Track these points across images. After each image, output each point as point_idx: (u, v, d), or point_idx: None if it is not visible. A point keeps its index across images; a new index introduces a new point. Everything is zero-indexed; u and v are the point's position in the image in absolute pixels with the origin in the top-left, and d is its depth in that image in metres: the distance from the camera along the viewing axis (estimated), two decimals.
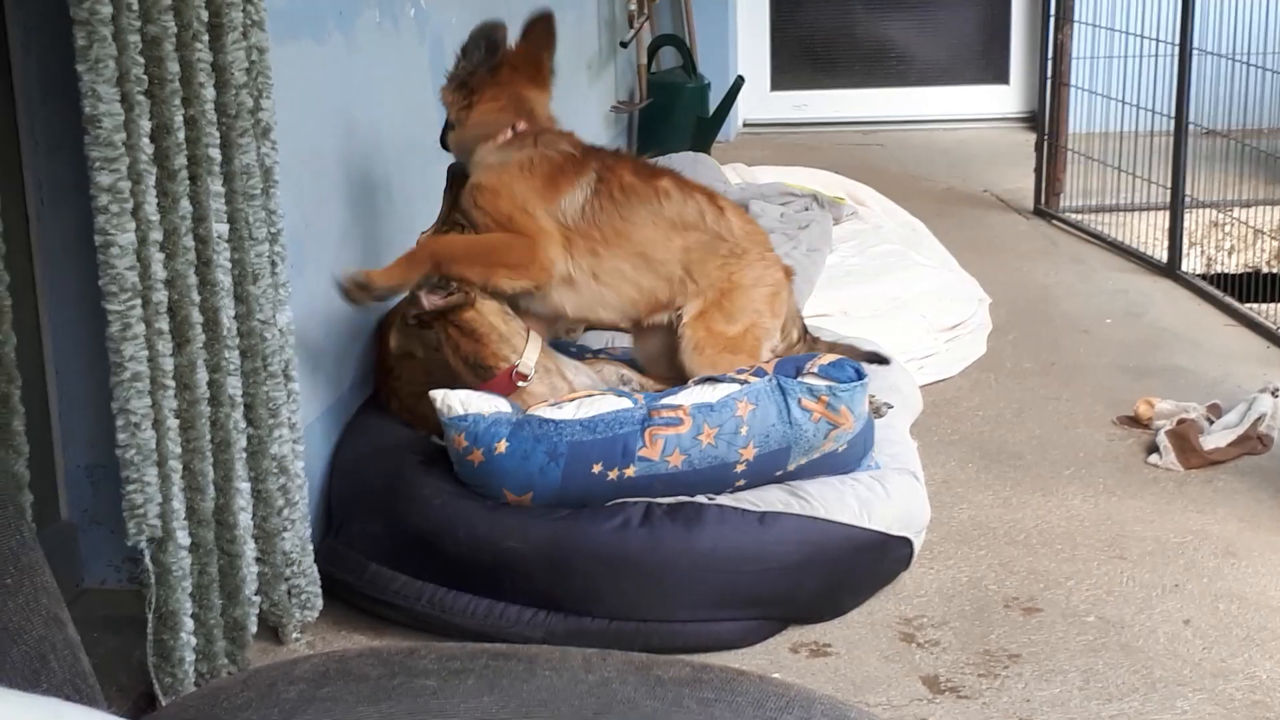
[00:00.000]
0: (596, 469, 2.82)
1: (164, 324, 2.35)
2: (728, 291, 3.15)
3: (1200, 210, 5.38)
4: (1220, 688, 2.67)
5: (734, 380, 2.91)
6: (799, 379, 2.90)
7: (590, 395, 2.93)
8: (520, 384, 3.02)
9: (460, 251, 3.07)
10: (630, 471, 2.83)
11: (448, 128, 3.26)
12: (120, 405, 2.30)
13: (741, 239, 3.20)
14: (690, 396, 2.88)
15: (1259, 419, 3.60)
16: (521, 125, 3.17)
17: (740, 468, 2.88)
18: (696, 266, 3.14)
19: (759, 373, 2.94)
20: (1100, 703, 2.63)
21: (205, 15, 2.42)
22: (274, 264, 2.65)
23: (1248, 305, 4.72)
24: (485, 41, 3.17)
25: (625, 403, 2.89)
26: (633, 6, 6.26)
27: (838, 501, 2.93)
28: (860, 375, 2.92)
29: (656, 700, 1.35)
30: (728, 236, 3.18)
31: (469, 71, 3.19)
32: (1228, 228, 5.60)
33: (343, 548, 2.99)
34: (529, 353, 3.04)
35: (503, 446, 2.82)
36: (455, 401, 2.87)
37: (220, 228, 2.47)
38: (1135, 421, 3.80)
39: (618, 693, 1.36)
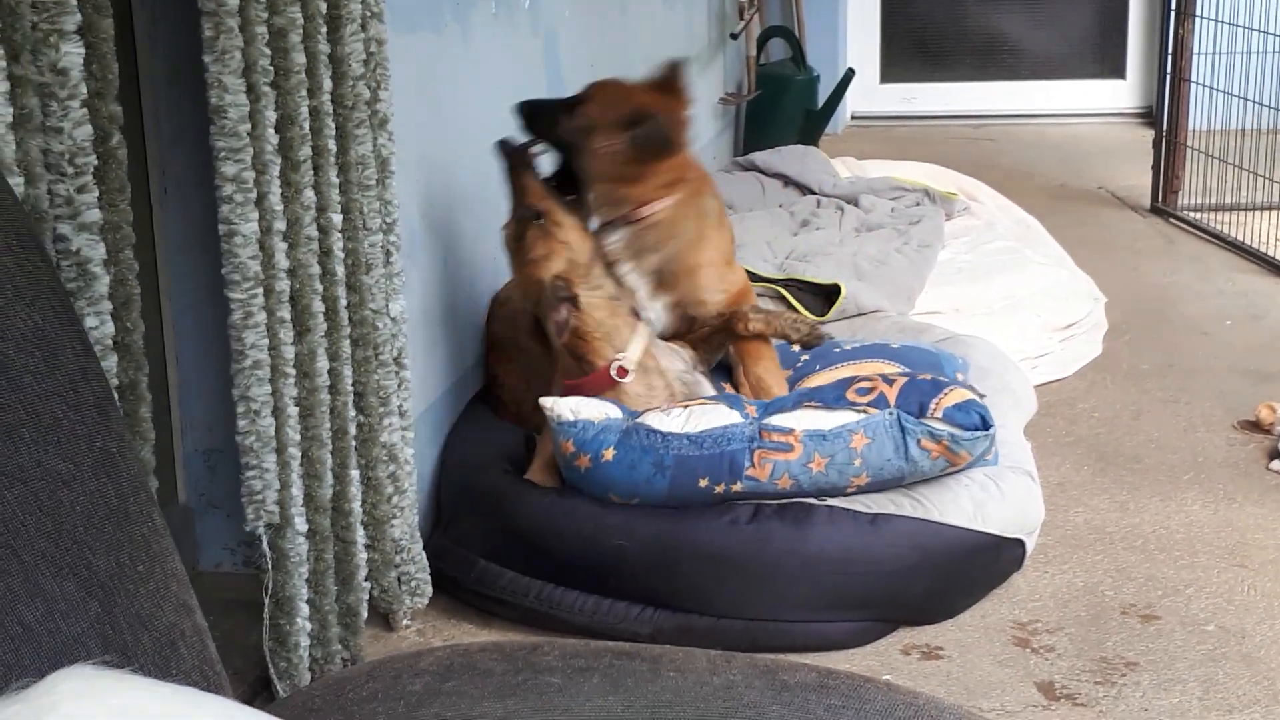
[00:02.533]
0: (703, 483, 2.80)
1: (286, 312, 2.37)
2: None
3: None
4: None
5: (852, 407, 2.86)
6: (923, 420, 2.82)
7: (701, 404, 2.90)
8: (620, 379, 2.99)
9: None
10: (737, 487, 2.81)
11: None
12: (241, 392, 2.32)
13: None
14: (802, 421, 2.82)
15: None
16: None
17: (850, 490, 2.85)
18: None
19: (879, 402, 2.87)
20: (1220, 714, 2.56)
21: (324, 7, 2.43)
22: (388, 254, 2.67)
23: None
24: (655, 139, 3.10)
25: (735, 416, 2.85)
26: None
27: (952, 503, 2.89)
28: (987, 424, 2.84)
29: (783, 705, 1.33)
30: None
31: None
32: None
33: (451, 544, 3.00)
34: (633, 348, 3.01)
35: (610, 454, 2.81)
36: (565, 409, 2.85)
37: (336, 218, 2.49)
38: (1256, 426, 3.70)
39: (743, 696, 1.34)
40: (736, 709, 1.32)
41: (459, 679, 1.37)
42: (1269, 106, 5.22)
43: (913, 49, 7.75)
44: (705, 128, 6.14)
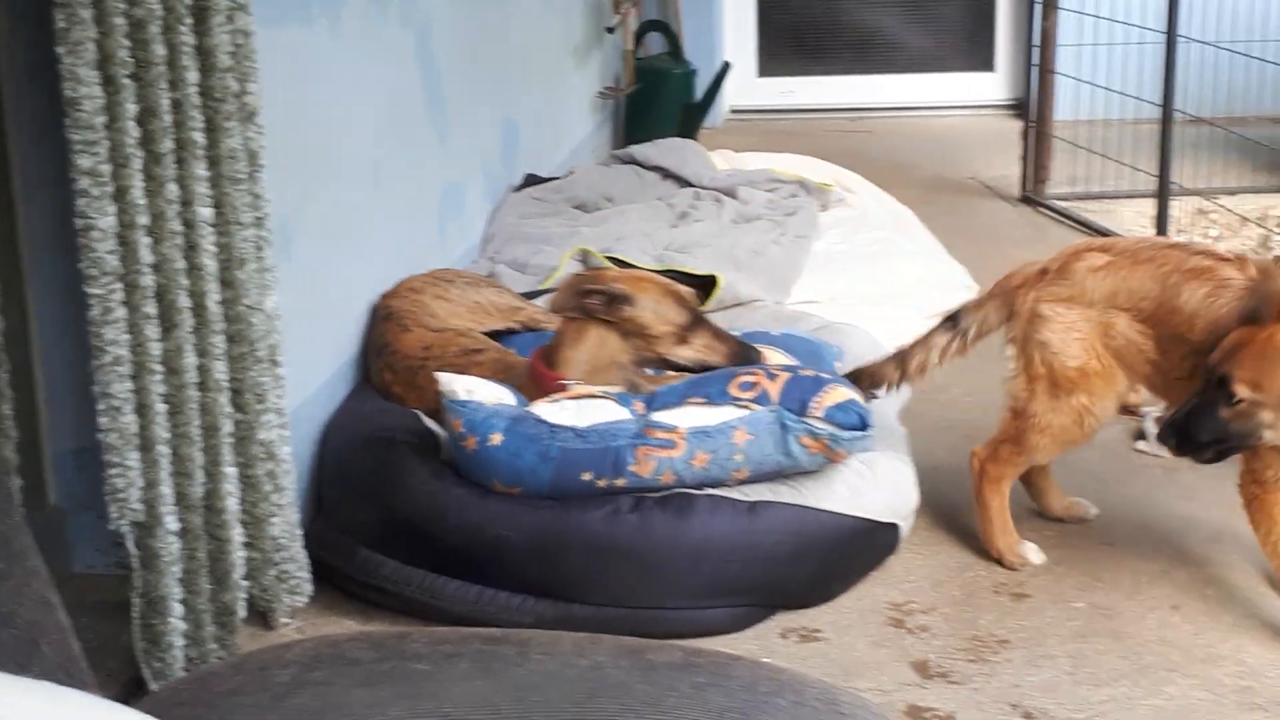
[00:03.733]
0: (586, 476, 2.82)
1: (150, 308, 2.34)
2: None
3: (1187, 197, 5.38)
4: (1209, 673, 2.67)
5: (734, 403, 2.89)
6: (804, 418, 2.85)
7: (592, 398, 2.91)
8: (556, 393, 2.94)
9: None
10: (620, 482, 2.82)
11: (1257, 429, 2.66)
12: (102, 389, 2.29)
13: None
14: (686, 418, 2.85)
15: None
16: None
17: (731, 484, 2.88)
18: None
19: (762, 399, 2.90)
20: (1090, 688, 2.63)
21: None
22: (260, 248, 2.64)
23: None
24: None
25: (623, 413, 2.87)
26: None
27: (828, 489, 2.93)
28: (865, 425, 2.88)
29: (649, 684, 1.34)
30: None
31: None
32: (1214, 215, 5.60)
33: (332, 533, 2.99)
34: (586, 391, 2.95)
35: (497, 439, 2.82)
36: (459, 387, 2.86)
37: (205, 212, 2.46)
38: (1124, 409, 3.79)
39: (610, 676, 1.35)
40: (603, 689, 1.33)
41: (326, 669, 1.36)
42: (1132, 97, 5.36)
43: (790, 43, 7.83)
44: (585, 122, 6.15)
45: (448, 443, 2.92)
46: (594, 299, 2.95)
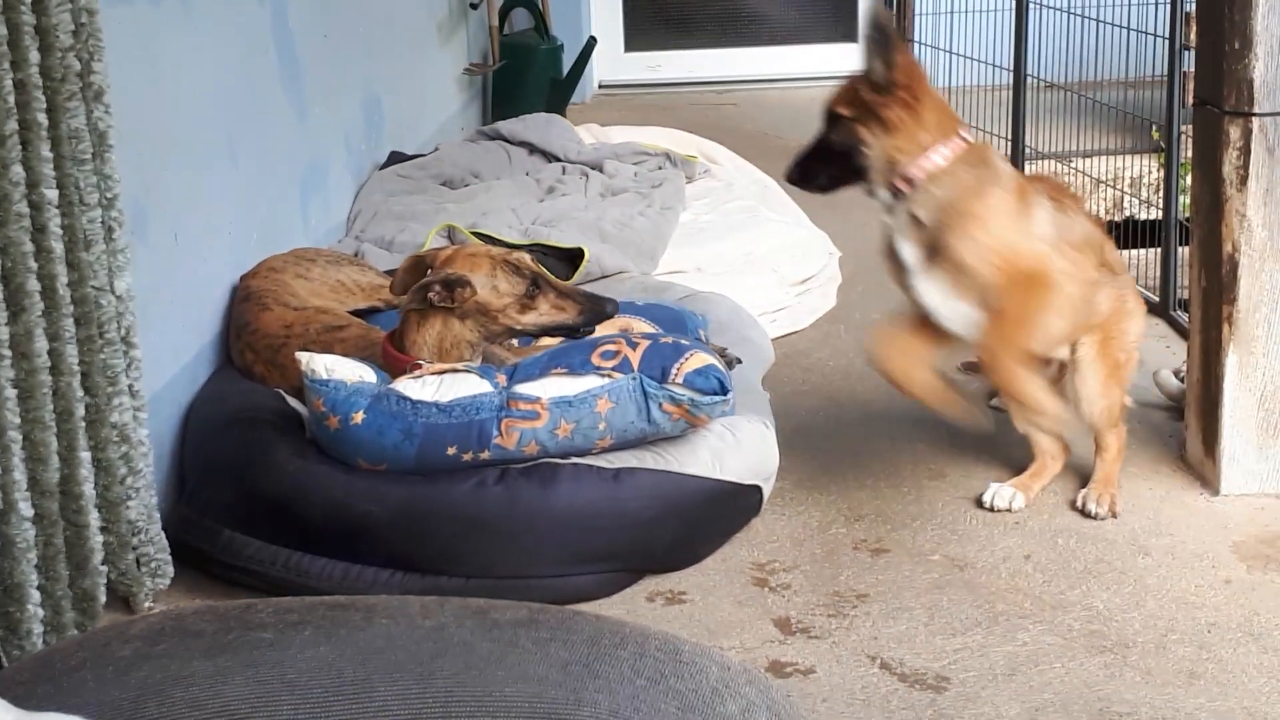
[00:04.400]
0: (451, 451, 2.83)
1: None
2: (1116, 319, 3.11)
3: (1042, 161, 5.52)
4: (1059, 619, 2.77)
5: (595, 372, 2.92)
6: (664, 385, 2.89)
7: (454, 373, 2.92)
8: (410, 373, 2.95)
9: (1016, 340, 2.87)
10: (485, 455, 2.84)
11: (856, 143, 2.88)
12: None
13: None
14: (549, 389, 2.86)
15: None
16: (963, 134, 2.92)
17: (595, 452, 2.91)
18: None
19: (624, 366, 2.92)
20: (945, 637, 2.71)
21: None
22: (110, 230, 2.61)
23: None
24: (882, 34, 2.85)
25: (485, 386, 2.88)
26: None
27: (691, 454, 2.97)
28: (725, 389, 2.92)
29: (492, 642, 1.37)
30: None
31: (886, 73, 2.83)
32: (1068, 177, 5.74)
33: (195, 515, 2.97)
34: (438, 369, 2.95)
35: (359, 418, 2.82)
36: (320, 365, 2.86)
37: (50, 194, 2.42)
38: (976, 368, 3.89)
39: (454, 636, 1.38)
40: (447, 649, 1.36)
41: (169, 642, 1.37)
42: (987, 64, 5.47)
43: (656, 18, 7.87)
44: (451, 99, 6.13)
45: (310, 422, 2.92)
46: (433, 291, 2.93)
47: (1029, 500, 3.18)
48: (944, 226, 2.85)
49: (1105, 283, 3.10)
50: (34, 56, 2.38)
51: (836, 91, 2.93)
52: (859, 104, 2.87)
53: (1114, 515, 3.11)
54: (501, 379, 2.93)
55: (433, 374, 2.90)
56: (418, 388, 2.86)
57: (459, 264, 2.98)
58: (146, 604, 2.79)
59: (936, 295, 2.91)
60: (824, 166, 2.98)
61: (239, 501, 2.93)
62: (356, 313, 3.48)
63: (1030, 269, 2.85)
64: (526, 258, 3.05)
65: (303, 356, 2.88)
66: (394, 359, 2.99)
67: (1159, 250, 4.39)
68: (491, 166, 5.18)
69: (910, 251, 2.92)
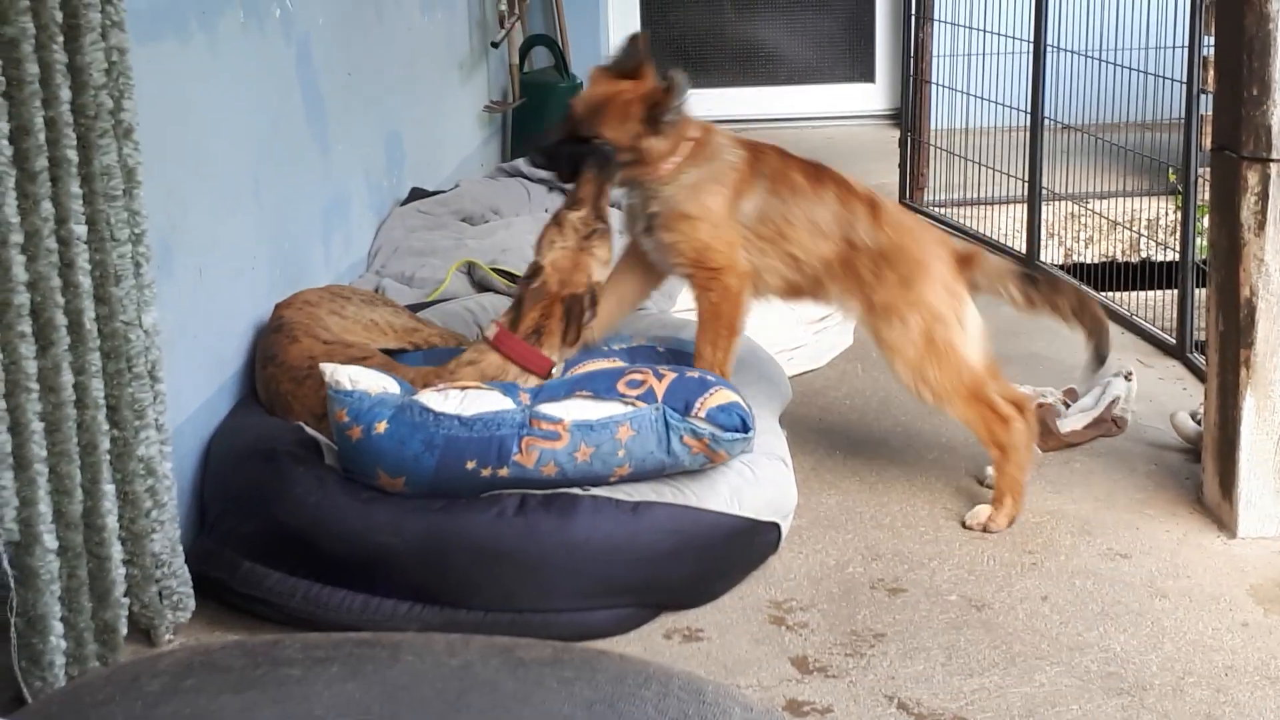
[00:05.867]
0: (470, 465, 2.85)
1: (26, 326, 2.33)
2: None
3: (1058, 203, 5.54)
4: (1076, 660, 2.77)
5: (620, 399, 2.94)
6: (687, 418, 2.91)
7: (478, 388, 2.96)
8: (545, 371, 3.16)
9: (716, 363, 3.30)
10: (504, 472, 2.86)
11: (610, 153, 3.25)
12: None
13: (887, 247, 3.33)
14: (572, 411, 2.89)
15: (1113, 402, 3.73)
16: (695, 134, 3.30)
17: (613, 479, 2.93)
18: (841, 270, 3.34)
19: (648, 396, 2.95)
20: (962, 678, 2.72)
21: (60, 16, 2.40)
22: (138, 265, 2.64)
23: (1104, 293, 4.87)
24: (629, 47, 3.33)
25: (508, 403, 2.91)
26: (504, 6, 6.28)
27: (710, 489, 2.99)
28: (747, 427, 2.94)
29: (518, 681, 1.38)
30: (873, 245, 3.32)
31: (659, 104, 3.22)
32: (1084, 219, 5.77)
33: (215, 546, 2.99)
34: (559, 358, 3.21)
35: (382, 427, 2.85)
36: (344, 377, 2.89)
37: (79, 229, 2.46)
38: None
39: (480, 675, 1.39)
40: (473, 686, 1.37)
41: (198, 676, 1.39)
42: (1004, 105, 5.50)
43: (674, 56, 7.90)
44: (472, 136, 6.18)
45: (332, 436, 2.94)
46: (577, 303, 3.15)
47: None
48: (664, 219, 3.29)
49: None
50: (65, 94, 2.42)
51: (603, 103, 3.26)
52: (616, 121, 3.24)
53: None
54: (525, 398, 2.96)
55: (456, 389, 2.93)
56: (441, 400, 2.89)
57: None
58: (167, 636, 2.80)
59: (654, 250, 3.36)
60: (571, 159, 3.31)
61: (259, 533, 2.95)
62: (387, 353, 3.50)
63: (717, 264, 3.28)
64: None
65: (326, 368, 2.92)
66: (530, 354, 3.15)
67: (1176, 292, 4.40)
68: (511, 203, 5.22)
69: (640, 224, 3.35)
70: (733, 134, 3.42)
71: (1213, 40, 3.30)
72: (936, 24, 5.85)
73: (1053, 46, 5.14)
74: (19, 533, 2.32)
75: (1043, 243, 5.30)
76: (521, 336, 3.18)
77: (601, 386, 2.99)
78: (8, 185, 2.28)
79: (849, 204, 3.35)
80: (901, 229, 3.37)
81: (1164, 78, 4.82)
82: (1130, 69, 5.16)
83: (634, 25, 7.77)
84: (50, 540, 2.40)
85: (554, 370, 3.18)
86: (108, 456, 2.57)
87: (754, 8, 7.91)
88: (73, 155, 2.44)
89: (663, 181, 3.26)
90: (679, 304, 4.35)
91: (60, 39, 2.41)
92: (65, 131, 2.43)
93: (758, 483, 3.07)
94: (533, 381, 3.13)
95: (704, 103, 7.64)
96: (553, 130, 3.33)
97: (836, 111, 7.74)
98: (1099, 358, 3.42)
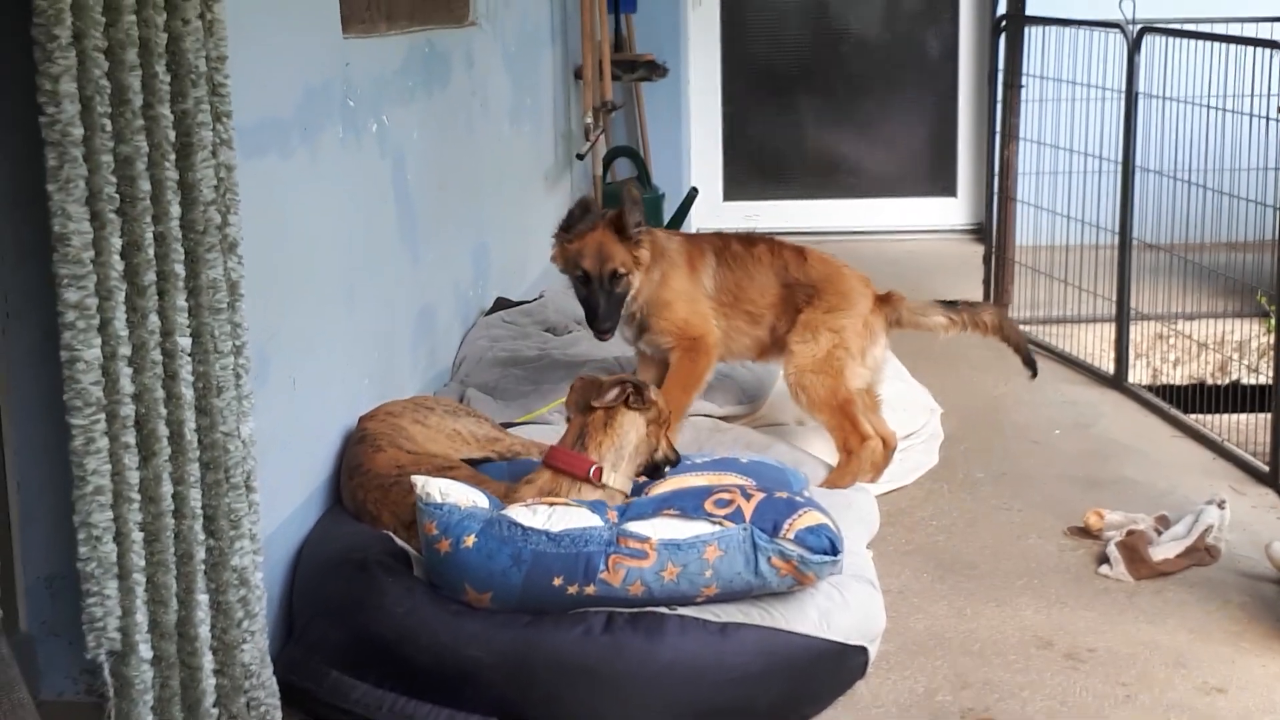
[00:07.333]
0: (557, 581, 2.84)
1: (130, 437, 2.36)
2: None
3: (1145, 323, 5.49)
4: None
5: (708, 519, 2.93)
6: (775, 539, 2.90)
7: (565, 505, 2.96)
8: (594, 479, 3.14)
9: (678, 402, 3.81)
10: (590, 590, 2.85)
11: (615, 276, 3.86)
12: (82, 519, 2.31)
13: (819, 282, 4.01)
14: (659, 529, 2.89)
15: (1206, 530, 3.66)
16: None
17: (700, 600, 2.91)
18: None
19: (736, 516, 2.94)
20: None
21: (173, 135, 2.46)
22: (238, 376, 2.67)
23: (1193, 416, 4.81)
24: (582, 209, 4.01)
25: (596, 520, 2.91)
26: (589, 120, 6.37)
27: (798, 611, 2.96)
28: (836, 550, 2.93)
29: None
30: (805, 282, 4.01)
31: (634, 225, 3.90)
32: (1172, 340, 5.71)
33: (303, 655, 2.99)
34: (617, 479, 3.18)
35: (470, 541, 2.85)
36: (434, 489, 2.90)
37: (184, 341, 2.49)
38: (1085, 532, 3.85)
39: None
40: None
41: None
42: (1091, 224, 5.48)
43: (754, 168, 8.00)
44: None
45: (421, 550, 2.95)
46: (625, 388, 3.15)
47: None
48: (648, 312, 3.96)
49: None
50: (175, 210, 2.47)
51: (613, 250, 3.88)
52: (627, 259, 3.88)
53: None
54: (613, 515, 2.95)
55: (545, 504, 2.94)
56: (529, 515, 2.89)
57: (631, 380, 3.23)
58: None
59: (648, 345, 4.03)
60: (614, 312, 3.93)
61: (347, 642, 2.95)
62: (470, 462, 3.51)
63: (698, 332, 3.97)
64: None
65: (418, 480, 2.94)
66: (571, 458, 3.12)
67: (1269, 416, 4.33)
68: None
69: (633, 331, 4.03)
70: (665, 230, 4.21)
71: None
72: (1022, 142, 5.86)
73: (1141, 168, 5.14)
74: (119, 642, 2.33)
75: (1130, 363, 5.25)
76: (568, 445, 3.17)
77: (689, 505, 2.99)
78: (118, 299, 2.33)
79: (779, 254, 4.05)
80: (829, 265, 4.09)
81: (1254, 201, 4.79)
82: (1218, 192, 5.13)
83: (715, 137, 7.86)
84: (146, 650, 2.41)
85: (605, 477, 3.14)
86: (203, 566, 2.58)
87: (834, 121, 7.98)
88: (180, 270, 2.49)
89: (640, 286, 3.89)
90: (761, 420, 4.35)
91: (172, 156, 2.46)
92: (174, 246, 2.47)
93: (846, 606, 3.03)
94: (596, 494, 3.11)
95: (783, 214, 7.81)
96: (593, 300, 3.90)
97: (917, 225, 7.76)
98: (1029, 364, 4.32)
